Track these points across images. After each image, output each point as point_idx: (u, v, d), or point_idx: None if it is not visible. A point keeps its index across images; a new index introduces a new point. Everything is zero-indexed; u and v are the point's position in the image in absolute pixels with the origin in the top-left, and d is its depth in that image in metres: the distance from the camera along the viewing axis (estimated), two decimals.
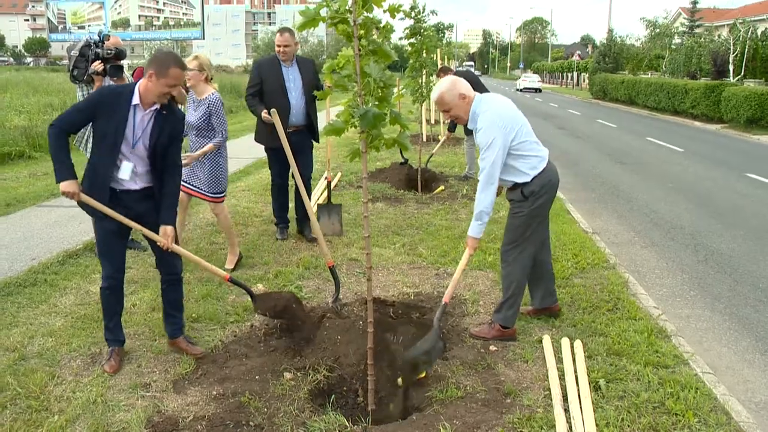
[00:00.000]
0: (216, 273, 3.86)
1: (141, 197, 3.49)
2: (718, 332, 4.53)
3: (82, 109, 3.37)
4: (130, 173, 3.40)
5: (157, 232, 3.48)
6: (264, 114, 5.37)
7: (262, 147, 5.96)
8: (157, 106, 3.37)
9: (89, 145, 5.20)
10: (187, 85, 4.86)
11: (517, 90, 48.03)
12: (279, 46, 5.63)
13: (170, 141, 3.46)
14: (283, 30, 5.67)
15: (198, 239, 6.05)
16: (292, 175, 4.82)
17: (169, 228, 3.45)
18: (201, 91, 4.94)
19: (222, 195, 5.15)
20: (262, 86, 5.65)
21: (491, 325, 3.99)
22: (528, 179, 3.76)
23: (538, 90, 47.65)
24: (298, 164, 4.94)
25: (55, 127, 3.29)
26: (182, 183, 4.65)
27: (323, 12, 2.76)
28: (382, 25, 2.82)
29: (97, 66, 4.93)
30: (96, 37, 5.05)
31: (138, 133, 3.38)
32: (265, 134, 5.69)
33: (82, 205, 3.42)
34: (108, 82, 4.97)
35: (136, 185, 3.47)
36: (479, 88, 9.30)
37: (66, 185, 3.23)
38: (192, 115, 4.97)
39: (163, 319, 3.80)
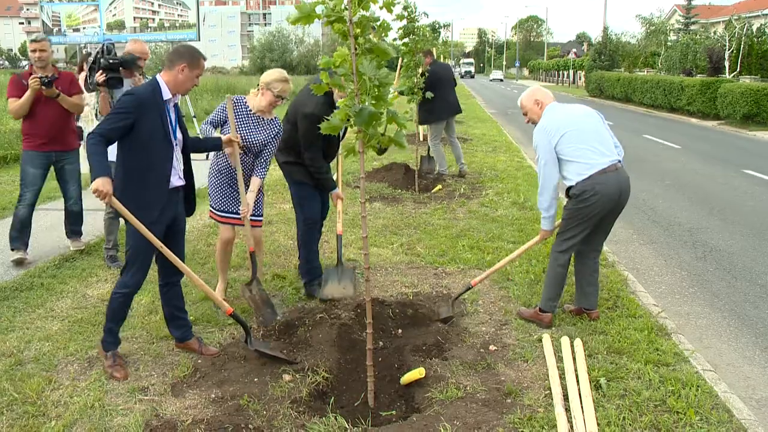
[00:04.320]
0: (220, 305, 3.66)
1: (179, 196, 3.58)
2: (717, 329, 4.53)
3: (125, 113, 3.25)
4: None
5: (178, 233, 3.63)
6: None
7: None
8: (177, 99, 3.48)
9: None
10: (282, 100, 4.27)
11: (490, 80, 70.06)
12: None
13: (181, 122, 3.60)
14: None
15: (195, 240, 6.02)
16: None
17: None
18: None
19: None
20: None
21: (535, 307, 4.25)
22: (572, 183, 3.98)
23: (501, 80, 70.82)
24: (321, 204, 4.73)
25: (96, 136, 3.15)
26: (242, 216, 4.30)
27: (319, 9, 2.74)
28: (378, 23, 2.80)
29: (98, 77, 4.66)
30: (109, 45, 4.85)
31: (175, 125, 3.48)
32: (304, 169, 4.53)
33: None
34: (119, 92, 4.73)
35: (181, 181, 3.57)
36: (443, 83, 8.90)
37: (103, 182, 3.07)
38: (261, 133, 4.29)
39: (167, 324, 3.76)
